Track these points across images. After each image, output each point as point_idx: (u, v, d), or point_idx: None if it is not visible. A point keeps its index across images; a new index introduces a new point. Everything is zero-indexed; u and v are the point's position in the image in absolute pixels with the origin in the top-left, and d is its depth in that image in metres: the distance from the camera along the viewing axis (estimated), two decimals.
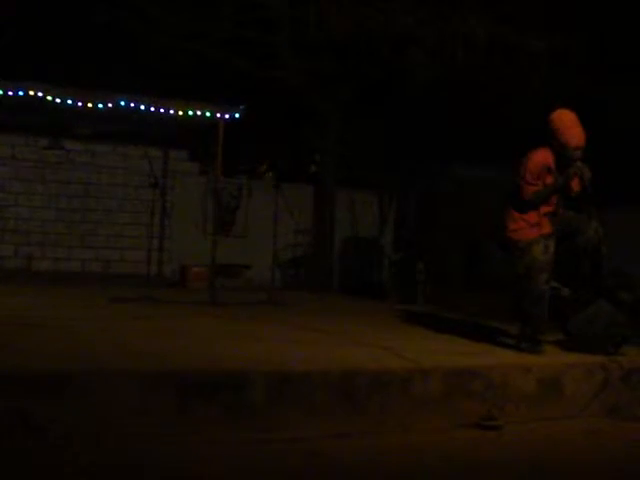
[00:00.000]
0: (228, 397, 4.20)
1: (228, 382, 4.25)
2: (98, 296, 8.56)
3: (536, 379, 5.13)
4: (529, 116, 10.09)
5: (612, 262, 6.26)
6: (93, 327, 5.96)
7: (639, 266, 8.25)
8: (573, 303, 6.30)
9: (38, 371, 4.01)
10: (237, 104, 10.76)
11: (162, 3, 11.04)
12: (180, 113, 10.59)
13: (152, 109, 10.40)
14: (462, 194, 13.46)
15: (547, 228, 5.81)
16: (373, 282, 12.79)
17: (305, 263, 13.10)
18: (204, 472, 3.60)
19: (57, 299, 8.20)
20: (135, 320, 6.66)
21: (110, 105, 10.23)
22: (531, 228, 5.80)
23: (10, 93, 9.78)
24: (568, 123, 5.73)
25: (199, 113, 10.63)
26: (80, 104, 10.16)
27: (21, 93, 9.82)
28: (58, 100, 10.03)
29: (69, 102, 10.09)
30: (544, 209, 5.83)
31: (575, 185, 5.84)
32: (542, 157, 5.81)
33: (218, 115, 10.55)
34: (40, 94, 9.91)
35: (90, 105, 10.20)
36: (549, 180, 5.78)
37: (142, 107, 10.33)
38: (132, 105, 10.30)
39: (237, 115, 10.68)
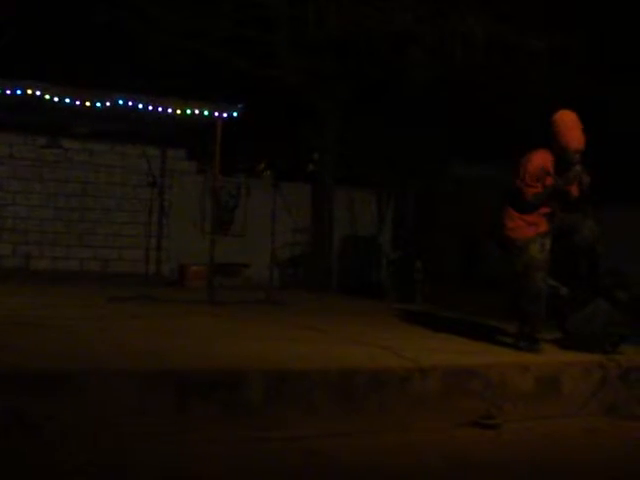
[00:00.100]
0: (226, 396, 4.20)
1: (226, 381, 4.25)
2: (96, 295, 8.56)
3: (534, 378, 5.13)
4: (528, 115, 10.12)
5: (610, 261, 6.27)
6: (91, 326, 5.96)
7: (636, 265, 8.26)
8: (571, 302, 6.30)
9: (36, 370, 4.01)
10: (236, 103, 10.74)
11: (162, 2, 11.03)
12: (178, 112, 10.57)
13: (150, 108, 10.37)
14: (461, 193, 13.47)
15: (544, 227, 5.83)
16: (371, 281, 12.78)
17: (303, 262, 13.09)
18: (202, 471, 3.60)
19: (55, 298, 8.19)
20: (133, 319, 6.66)
21: (108, 104, 10.21)
22: (529, 227, 5.82)
23: (8, 92, 9.76)
24: (569, 125, 5.73)
25: (197, 112, 10.61)
26: (78, 103, 10.14)
27: (19, 92, 9.80)
28: (56, 99, 10.01)
29: (67, 101, 10.07)
30: (542, 210, 5.86)
31: (574, 190, 5.86)
32: (541, 159, 5.82)
33: (216, 114, 10.53)
34: (38, 93, 9.89)
35: (88, 104, 10.17)
36: (548, 182, 5.79)
37: (140, 106, 10.31)
38: (130, 104, 10.28)
39: (235, 114, 10.66)
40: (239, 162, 13.90)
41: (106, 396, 3.96)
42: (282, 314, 8.00)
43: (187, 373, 4.26)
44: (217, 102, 10.66)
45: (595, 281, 6.15)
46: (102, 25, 11.25)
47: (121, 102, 10.24)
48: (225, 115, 10.55)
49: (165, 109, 10.49)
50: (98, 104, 10.19)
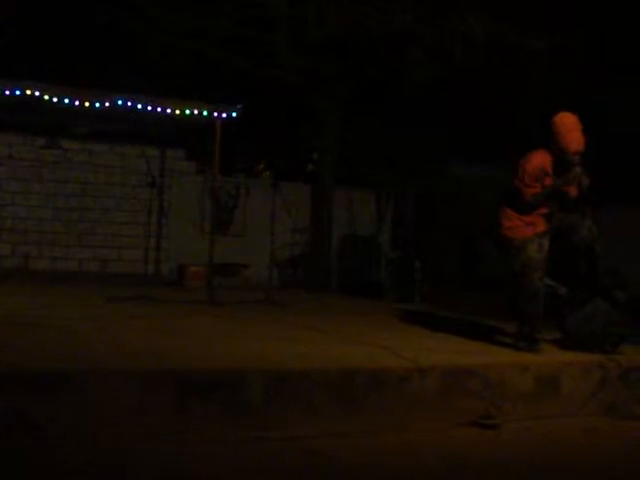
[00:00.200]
0: (226, 396, 4.20)
1: (226, 381, 4.25)
2: (95, 295, 8.56)
3: (534, 377, 5.13)
4: (528, 116, 10.12)
5: (610, 261, 6.27)
6: (91, 326, 5.96)
7: (636, 265, 8.27)
8: (570, 302, 6.31)
9: (36, 370, 4.01)
10: (236, 103, 10.75)
11: (162, 2, 11.03)
12: (177, 112, 10.58)
13: (149, 108, 10.38)
14: (460, 193, 13.47)
15: (541, 226, 5.84)
16: (371, 281, 12.78)
17: (303, 262, 13.09)
18: (202, 471, 3.60)
19: (54, 298, 8.19)
20: (132, 319, 6.66)
21: (107, 104, 10.22)
22: (526, 226, 5.84)
23: (7, 92, 9.76)
24: (569, 126, 5.74)
25: (196, 112, 10.62)
26: (77, 103, 10.15)
27: (18, 92, 9.81)
28: (55, 99, 10.01)
29: (66, 101, 10.07)
30: (541, 210, 5.87)
31: (572, 190, 5.87)
32: (540, 159, 5.83)
33: (215, 114, 10.54)
34: (37, 93, 9.89)
35: (87, 104, 10.18)
36: (547, 182, 5.80)
37: (139, 106, 10.32)
38: (129, 104, 10.29)
39: (234, 114, 10.67)
40: (238, 162, 13.91)
41: (105, 396, 3.96)
42: (281, 314, 8.00)
43: (186, 373, 4.26)
44: (216, 102, 10.67)
45: (594, 281, 6.15)
46: (102, 25, 11.24)
47: (120, 102, 10.25)
48: (224, 115, 10.57)
49: (164, 109, 10.50)
50: (97, 104, 10.20)
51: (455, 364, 5.03)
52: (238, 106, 10.69)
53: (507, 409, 4.87)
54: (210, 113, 10.59)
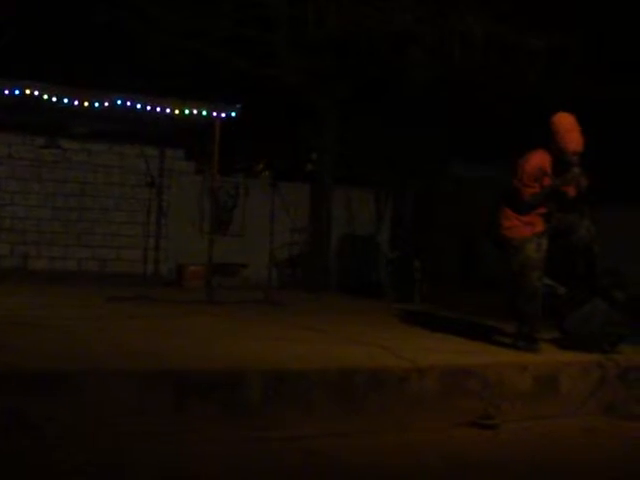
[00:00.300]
0: (225, 396, 4.20)
1: (225, 381, 4.25)
2: (94, 295, 8.55)
3: (532, 377, 5.14)
4: (527, 115, 10.12)
5: (609, 261, 6.28)
6: (90, 326, 5.95)
7: (636, 265, 8.27)
8: (569, 302, 6.31)
9: (34, 370, 4.00)
10: (235, 103, 10.73)
11: (162, 2, 11.02)
12: (176, 112, 10.56)
13: (148, 108, 10.37)
14: (460, 193, 13.46)
15: (540, 226, 5.85)
16: (370, 281, 12.77)
17: (302, 262, 13.09)
18: (201, 471, 3.60)
19: (53, 298, 8.18)
20: (132, 319, 6.66)
21: (106, 104, 10.20)
22: (525, 226, 5.84)
23: (7, 92, 9.75)
24: (568, 127, 5.75)
25: (195, 112, 10.60)
26: (76, 103, 10.13)
27: (17, 92, 9.79)
28: (54, 99, 10.00)
29: (65, 101, 10.06)
30: (539, 210, 5.87)
31: (571, 190, 5.87)
32: (539, 159, 5.84)
33: (214, 114, 10.53)
34: (37, 93, 9.88)
35: (86, 104, 10.17)
36: (546, 182, 5.81)
37: (138, 106, 10.30)
38: (128, 104, 10.27)
39: (233, 114, 10.65)
40: (237, 162, 13.89)
41: (104, 396, 3.96)
42: (280, 314, 7.99)
43: (186, 373, 4.26)
44: (215, 102, 10.66)
45: (592, 281, 6.16)
46: (102, 25, 11.24)
47: (119, 102, 10.23)
48: (223, 115, 10.55)
49: (163, 109, 10.48)
50: (96, 104, 10.18)
51: (454, 364, 5.03)
52: (237, 106, 10.67)
53: (506, 409, 4.88)
54: (209, 113, 10.57)
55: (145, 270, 9.18)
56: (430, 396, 4.70)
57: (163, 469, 3.56)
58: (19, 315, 6.28)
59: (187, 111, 10.55)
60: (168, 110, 10.49)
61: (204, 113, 10.58)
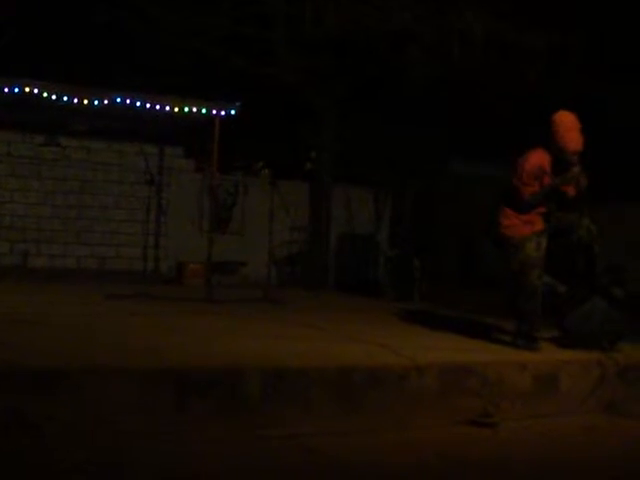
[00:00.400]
0: (224, 394, 4.19)
1: (224, 379, 4.24)
2: (94, 293, 8.54)
3: (532, 376, 5.13)
4: (528, 114, 10.11)
5: (610, 257, 6.28)
6: (89, 324, 5.95)
7: (636, 260, 8.28)
8: (569, 300, 6.31)
9: (33, 368, 4.00)
10: (234, 101, 10.74)
11: (162, 2, 11.02)
12: (176, 110, 10.57)
13: (148, 106, 10.37)
14: (459, 192, 13.47)
15: (539, 225, 5.85)
16: (369, 279, 12.78)
17: (301, 260, 13.09)
18: (201, 469, 3.60)
19: (53, 296, 8.18)
20: (131, 317, 6.65)
21: (106, 102, 10.21)
22: (524, 225, 5.84)
23: (6, 90, 9.75)
24: (568, 126, 5.74)
25: (195, 110, 10.61)
26: (76, 101, 10.14)
27: (17, 90, 9.79)
28: (54, 97, 10.00)
29: (65, 99, 10.06)
30: (539, 209, 5.87)
31: (570, 190, 5.87)
32: (539, 158, 5.84)
33: (214, 112, 10.53)
34: (36, 91, 9.88)
35: (86, 102, 10.17)
36: (546, 181, 5.80)
37: (138, 104, 10.31)
38: (128, 102, 10.28)
39: (233, 111, 10.66)
40: (237, 160, 13.89)
41: (104, 394, 3.95)
42: (280, 312, 7.99)
43: (185, 371, 4.26)
44: (215, 100, 10.66)
45: (592, 280, 6.16)
46: (102, 25, 11.24)
47: (119, 100, 10.24)
48: (223, 113, 10.55)
49: (163, 107, 10.49)
50: (96, 102, 10.20)
51: (454, 362, 5.03)
52: (237, 104, 10.68)
53: (505, 407, 4.87)
54: (209, 111, 10.58)
55: (145, 268, 9.18)
56: (429, 394, 4.69)
57: (163, 468, 3.56)
58: (18, 313, 6.28)
59: (187, 109, 10.56)
60: (167, 108, 10.51)
61: (203, 111, 10.60)
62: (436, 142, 13.20)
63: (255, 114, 11.82)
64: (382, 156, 13.57)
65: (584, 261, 6.13)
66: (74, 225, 12.20)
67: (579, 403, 5.21)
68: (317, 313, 8.17)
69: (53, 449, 3.62)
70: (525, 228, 5.83)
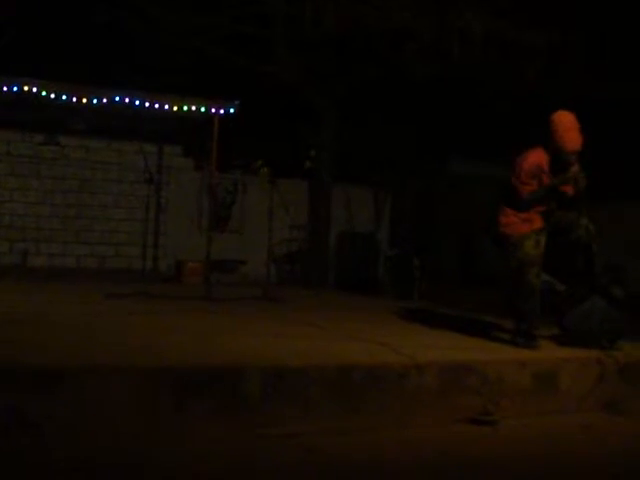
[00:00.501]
0: (224, 392, 4.19)
1: (224, 378, 4.24)
2: (93, 292, 8.53)
3: (532, 374, 5.14)
4: (527, 113, 10.11)
5: (610, 257, 6.29)
6: (89, 323, 5.95)
7: (636, 260, 8.28)
8: (568, 298, 6.32)
9: (33, 367, 3.99)
10: (234, 100, 10.73)
11: (162, 2, 11.02)
12: (175, 108, 10.56)
13: (147, 104, 10.37)
14: (459, 191, 13.47)
15: (538, 223, 5.85)
16: (369, 278, 12.78)
17: (301, 259, 13.09)
18: (200, 469, 3.60)
19: (52, 295, 8.17)
20: (131, 316, 6.64)
21: (105, 101, 10.20)
22: (523, 223, 5.85)
23: (5, 89, 9.74)
24: (567, 125, 5.74)
25: (194, 108, 10.60)
26: (75, 100, 10.13)
27: (16, 89, 9.78)
28: (53, 96, 9.99)
29: (64, 98, 10.06)
30: (538, 207, 5.87)
31: (569, 190, 5.87)
32: (537, 157, 5.84)
33: (213, 110, 10.52)
34: (35, 89, 9.87)
35: (85, 101, 10.17)
36: (544, 180, 5.81)
37: (137, 103, 10.30)
38: (127, 100, 10.27)
39: (232, 110, 10.65)
40: (236, 159, 13.90)
41: (104, 393, 3.95)
42: (279, 310, 7.99)
43: (185, 370, 4.25)
44: (214, 99, 10.65)
45: (591, 278, 6.17)
46: (102, 25, 11.24)
47: (118, 99, 10.23)
48: (222, 111, 10.54)
49: (162, 106, 10.48)
50: (95, 101, 10.19)
51: (453, 360, 5.03)
52: (236, 102, 10.67)
53: (505, 405, 4.88)
54: (208, 109, 10.57)
55: (144, 266, 9.17)
56: (429, 392, 4.70)
57: (163, 468, 3.56)
58: (18, 312, 6.28)
59: (186, 107, 10.55)
60: (167, 107, 10.49)
61: (203, 109, 10.58)
62: (435, 141, 13.20)
63: (255, 113, 11.83)
64: (381, 155, 13.57)
65: (583, 260, 6.13)
66: (73, 224, 12.20)
67: (579, 401, 5.22)
68: (317, 312, 8.17)
69: (53, 449, 3.62)
70: (524, 226, 5.83)
